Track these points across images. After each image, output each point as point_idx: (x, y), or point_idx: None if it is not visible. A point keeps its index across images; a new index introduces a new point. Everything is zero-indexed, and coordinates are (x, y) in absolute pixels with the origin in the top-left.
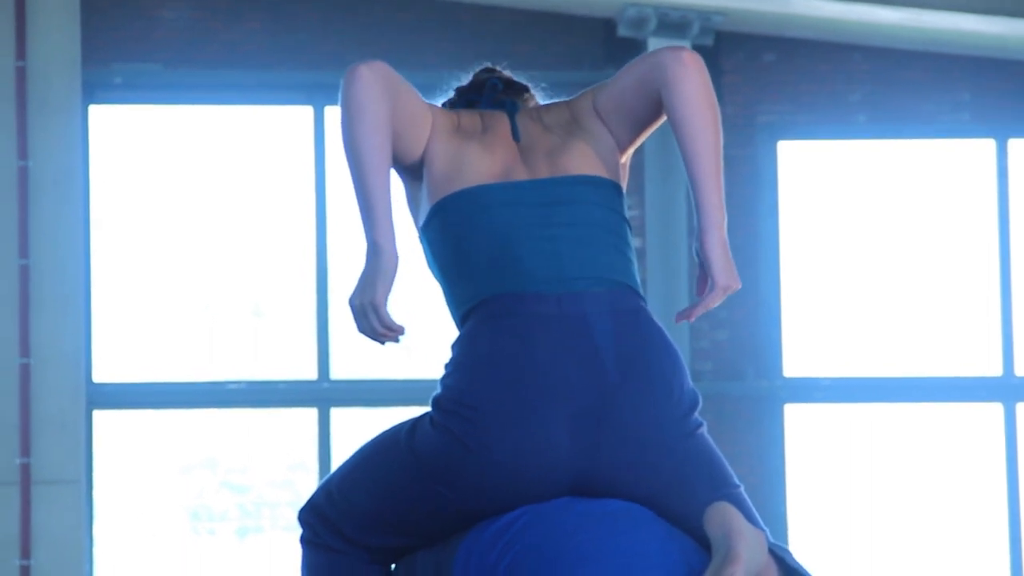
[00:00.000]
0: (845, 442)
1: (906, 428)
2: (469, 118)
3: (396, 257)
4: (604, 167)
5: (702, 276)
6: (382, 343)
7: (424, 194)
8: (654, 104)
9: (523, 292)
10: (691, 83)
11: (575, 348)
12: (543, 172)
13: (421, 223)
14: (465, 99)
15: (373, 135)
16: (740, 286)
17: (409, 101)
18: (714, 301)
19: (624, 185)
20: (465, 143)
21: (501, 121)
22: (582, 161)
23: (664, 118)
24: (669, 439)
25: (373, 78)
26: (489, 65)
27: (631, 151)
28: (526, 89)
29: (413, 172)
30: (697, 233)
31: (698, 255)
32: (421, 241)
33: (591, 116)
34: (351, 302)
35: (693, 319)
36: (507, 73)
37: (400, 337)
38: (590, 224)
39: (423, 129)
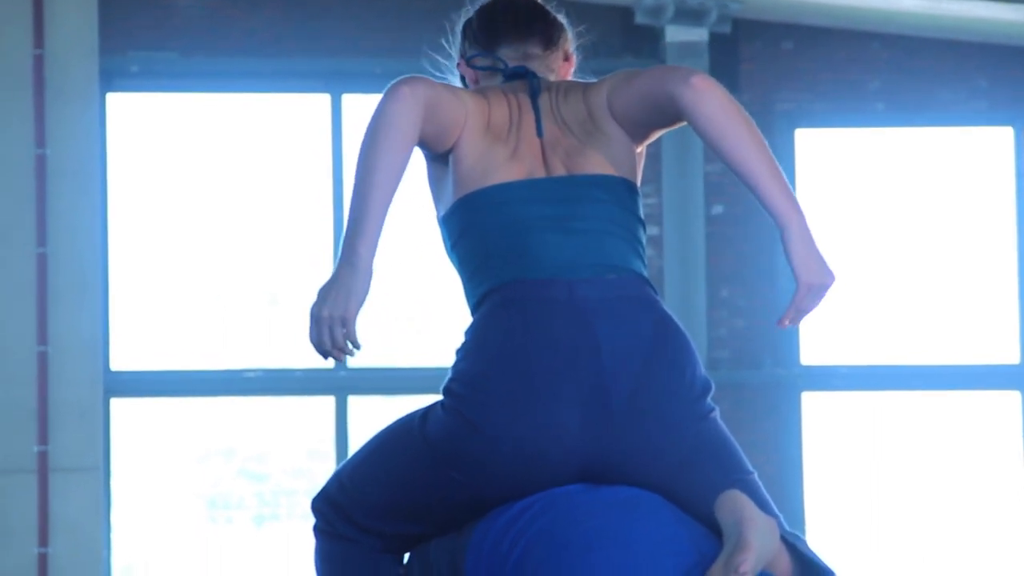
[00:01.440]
0: (862, 430)
1: (923, 416)
2: (499, 111)
3: (371, 274)
4: (619, 167)
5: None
6: (334, 359)
7: (449, 184)
8: (669, 119)
9: (534, 278)
10: (710, 105)
11: (585, 333)
12: (561, 171)
13: (443, 213)
14: (484, 55)
15: (392, 154)
16: (833, 280)
17: (446, 113)
18: (804, 301)
19: (640, 175)
20: (493, 145)
21: (526, 112)
22: (598, 162)
23: (681, 122)
24: (680, 423)
25: (412, 100)
26: None
27: (649, 142)
28: (551, 28)
29: (440, 157)
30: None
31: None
32: (441, 229)
33: (606, 116)
34: (314, 311)
35: (787, 325)
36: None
37: (355, 352)
38: (603, 220)
39: (455, 132)
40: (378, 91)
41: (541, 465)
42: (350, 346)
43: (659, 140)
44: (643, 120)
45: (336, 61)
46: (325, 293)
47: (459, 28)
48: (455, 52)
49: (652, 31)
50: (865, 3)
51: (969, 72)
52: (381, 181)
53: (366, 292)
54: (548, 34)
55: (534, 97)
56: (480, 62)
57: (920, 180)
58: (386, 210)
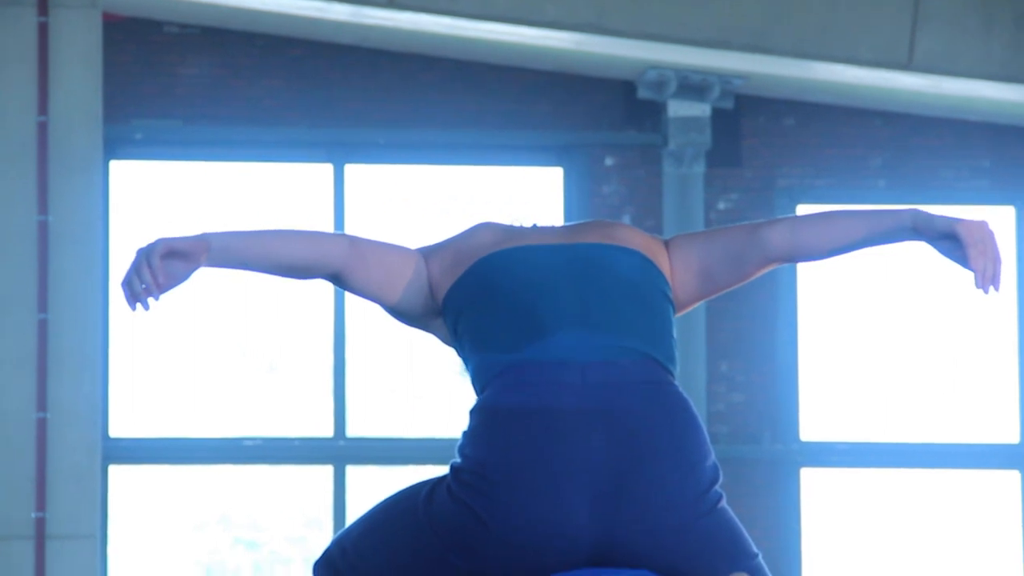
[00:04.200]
0: (861, 507)
1: (922, 494)
2: (485, 232)
3: (206, 247)
4: (649, 252)
5: (957, 252)
6: (138, 299)
7: (445, 274)
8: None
9: (545, 360)
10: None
11: (596, 422)
12: (578, 240)
13: (445, 293)
14: None
15: (305, 243)
16: (983, 221)
17: (383, 260)
18: (981, 255)
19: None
20: (474, 249)
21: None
22: (626, 239)
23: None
24: (689, 516)
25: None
26: None
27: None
28: None
29: (428, 315)
30: (918, 238)
31: (944, 253)
32: (446, 317)
33: (654, 250)
34: (138, 249)
35: (991, 288)
36: None
37: (158, 296)
38: (624, 291)
39: (407, 271)
40: (381, 161)
41: (549, 556)
42: (152, 283)
43: (658, 214)
44: (718, 271)
45: (339, 131)
46: None
47: None
48: None
49: (655, 105)
50: (868, 81)
51: (971, 151)
52: (279, 245)
53: (193, 250)
54: None
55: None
56: None
57: (920, 257)
58: (255, 255)
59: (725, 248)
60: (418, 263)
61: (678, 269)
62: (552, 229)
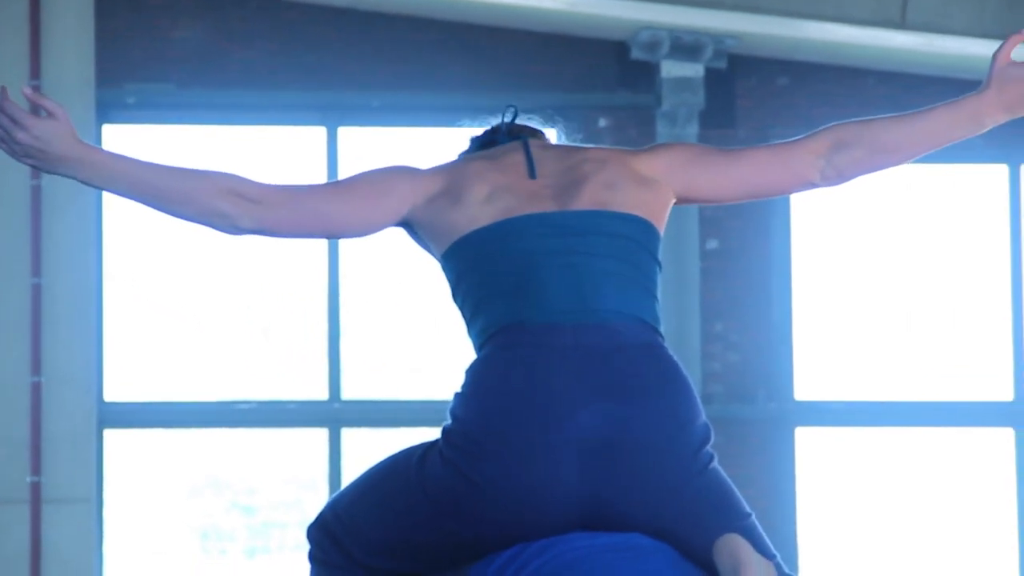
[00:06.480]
0: (855, 465)
1: (916, 452)
2: (477, 167)
3: (70, 136)
4: (644, 207)
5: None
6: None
7: (439, 230)
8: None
9: (538, 322)
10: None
11: (587, 383)
12: (572, 206)
13: (440, 254)
14: (479, 140)
15: (186, 178)
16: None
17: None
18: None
19: (664, 225)
20: (483, 190)
21: (517, 156)
22: (618, 197)
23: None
24: (681, 476)
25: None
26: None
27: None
28: (540, 133)
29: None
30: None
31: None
32: (444, 270)
33: (648, 167)
34: None
35: None
36: (528, 123)
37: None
38: (615, 258)
39: (397, 191)
40: (374, 124)
41: (540, 518)
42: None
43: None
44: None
45: (332, 94)
46: None
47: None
48: None
49: (647, 66)
50: (861, 40)
51: None
52: (167, 180)
53: (56, 123)
54: (538, 135)
55: (527, 149)
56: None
57: (915, 216)
58: (139, 178)
59: (768, 160)
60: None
61: (705, 186)
62: (545, 185)
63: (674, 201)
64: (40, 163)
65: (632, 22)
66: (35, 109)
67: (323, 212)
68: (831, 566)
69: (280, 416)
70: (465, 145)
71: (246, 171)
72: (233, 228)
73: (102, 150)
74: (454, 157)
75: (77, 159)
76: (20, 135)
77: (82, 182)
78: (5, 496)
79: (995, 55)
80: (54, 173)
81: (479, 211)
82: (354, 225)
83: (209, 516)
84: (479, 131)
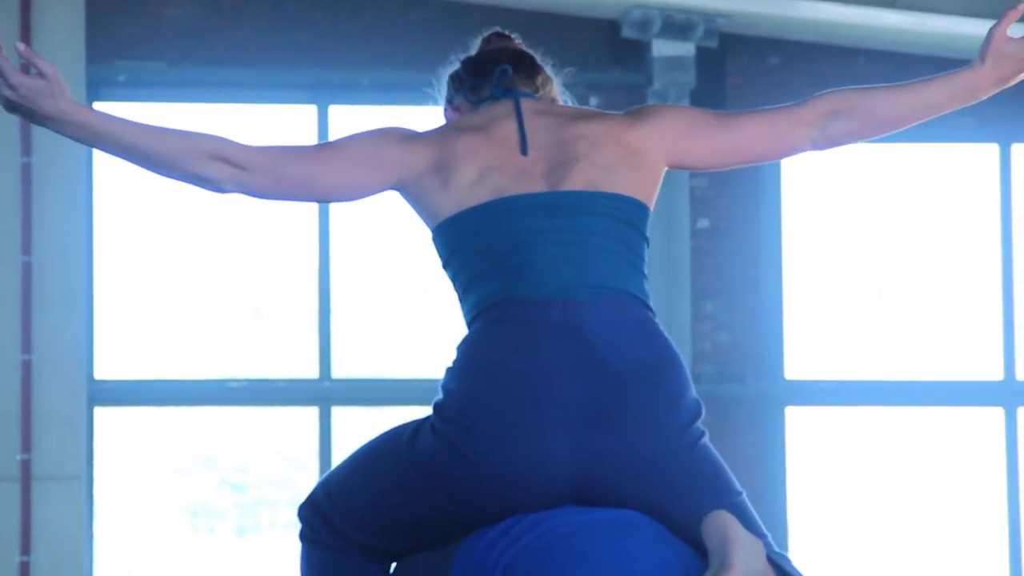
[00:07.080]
0: (846, 445)
1: (907, 431)
2: (468, 142)
3: (57, 95)
4: (634, 186)
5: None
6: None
7: (434, 202)
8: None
9: (528, 298)
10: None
11: (578, 357)
12: (562, 186)
13: (433, 227)
14: (471, 83)
15: (172, 139)
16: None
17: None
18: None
19: (655, 198)
20: (479, 165)
21: (509, 126)
22: (610, 178)
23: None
24: (671, 451)
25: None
26: (499, 31)
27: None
28: (540, 70)
29: (409, 186)
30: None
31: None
32: (434, 243)
33: (640, 139)
34: None
35: None
36: (518, 42)
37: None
38: (606, 235)
39: (386, 162)
40: (365, 102)
41: (530, 491)
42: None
43: None
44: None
45: (323, 72)
46: None
47: (445, 78)
48: (441, 99)
49: (639, 45)
50: (852, 19)
51: None
52: (152, 139)
53: (45, 83)
54: (534, 80)
55: (520, 118)
56: (468, 96)
57: (906, 196)
58: (121, 135)
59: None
60: (383, 165)
61: (698, 155)
62: (536, 161)
63: (665, 169)
64: (27, 118)
65: (623, 1)
66: (27, 67)
67: (309, 179)
68: (821, 546)
69: (271, 394)
70: (457, 65)
71: (235, 135)
72: (218, 190)
73: (91, 110)
74: (444, 103)
75: (64, 119)
76: (6, 91)
77: (71, 139)
78: None
79: (991, 30)
80: (42, 127)
81: (470, 192)
82: (340, 192)
83: (199, 494)
84: (472, 56)
